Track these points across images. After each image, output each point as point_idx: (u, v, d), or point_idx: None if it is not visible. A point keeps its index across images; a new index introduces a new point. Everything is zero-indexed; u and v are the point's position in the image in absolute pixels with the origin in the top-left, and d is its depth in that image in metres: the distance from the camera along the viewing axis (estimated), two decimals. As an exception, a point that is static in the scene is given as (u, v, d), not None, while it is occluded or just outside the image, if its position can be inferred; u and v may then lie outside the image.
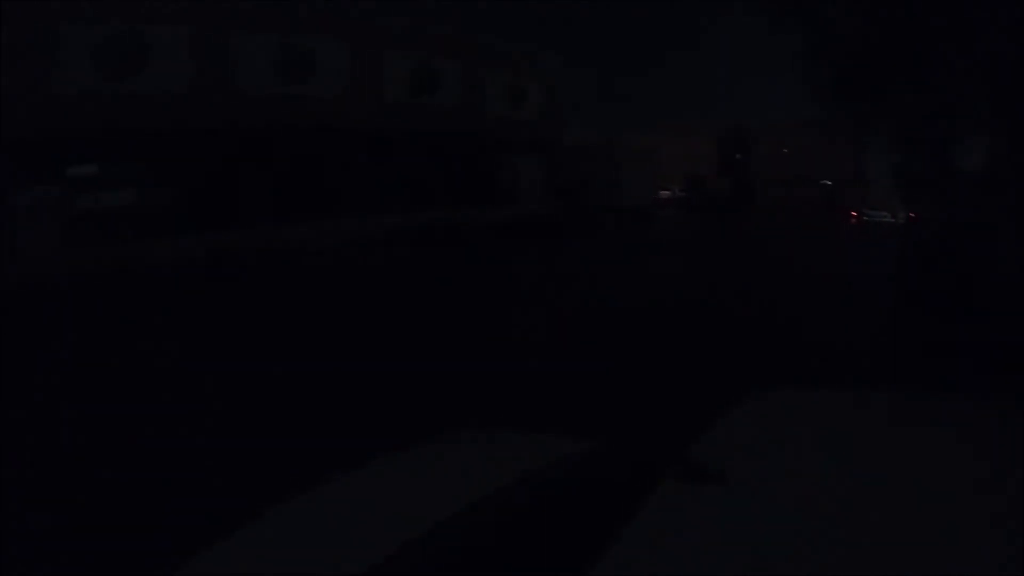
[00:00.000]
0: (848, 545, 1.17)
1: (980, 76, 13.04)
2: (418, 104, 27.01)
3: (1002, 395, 2.01)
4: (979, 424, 1.80)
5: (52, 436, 5.89)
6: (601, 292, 13.22)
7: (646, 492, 1.41)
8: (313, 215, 21.26)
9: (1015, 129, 11.64)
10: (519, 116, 31.16)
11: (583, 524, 1.41)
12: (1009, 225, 8.26)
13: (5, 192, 18.02)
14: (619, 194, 30.91)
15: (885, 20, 14.22)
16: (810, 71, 17.55)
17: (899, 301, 9.10)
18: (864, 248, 22.41)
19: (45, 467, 5.16)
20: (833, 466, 1.53)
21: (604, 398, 5.83)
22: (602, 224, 27.95)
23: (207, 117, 21.98)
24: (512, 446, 2.18)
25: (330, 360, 8.15)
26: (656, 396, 5.81)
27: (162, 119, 21.39)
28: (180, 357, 8.78)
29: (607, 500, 1.51)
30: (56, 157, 20.32)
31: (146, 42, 21.93)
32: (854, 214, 37.67)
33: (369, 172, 24.67)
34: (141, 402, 6.91)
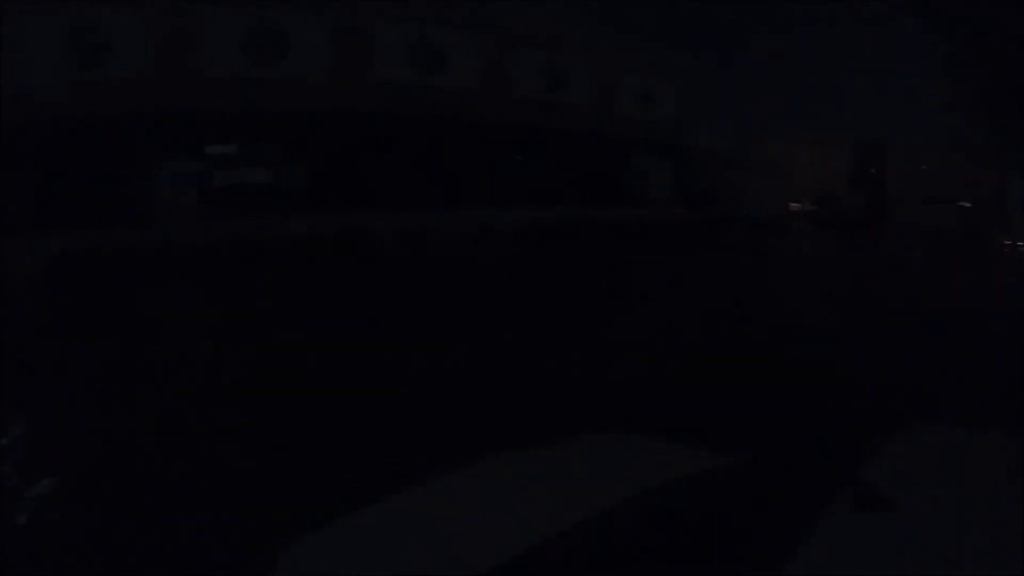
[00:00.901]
0: None
1: None
2: (548, 101, 26.41)
3: None
4: None
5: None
6: (730, 302, 12.24)
7: (801, 512, 1.45)
8: (438, 204, 21.05)
9: None
10: (648, 118, 30.01)
11: (718, 537, 1.42)
12: None
13: (150, 166, 18.71)
14: (748, 204, 29.33)
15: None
16: (956, 84, 15.76)
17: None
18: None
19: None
20: (996, 502, 1.49)
21: (740, 412, 5.51)
22: (730, 235, 26.41)
23: (343, 103, 22.21)
24: (650, 452, 2.17)
25: (458, 347, 7.89)
26: (795, 415, 5.43)
27: (300, 103, 21.83)
28: (312, 330, 8.80)
29: (746, 515, 1.54)
30: (198, 135, 21.12)
31: (287, 30, 22.63)
32: (1008, 243, 33.63)
33: (497, 165, 24.30)
34: (287, 374, 6.89)
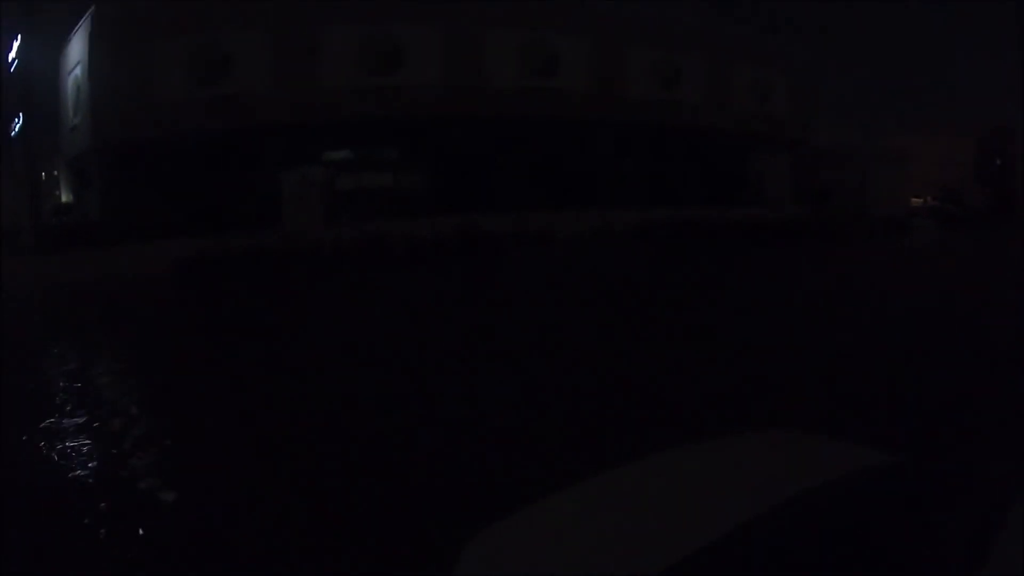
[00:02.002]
0: None
1: None
2: (663, 99, 25.72)
3: None
4: None
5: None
6: (857, 303, 11.34)
7: (975, 511, 1.45)
8: (555, 204, 20.75)
9: None
10: (766, 114, 28.81)
11: (887, 535, 1.41)
12: None
13: (276, 171, 19.29)
14: (870, 201, 27.70)
15: None
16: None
17: None
18: None
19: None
20: None
21: (896, 411, 5.32)
22: (852, 232, 24.83)
23: (459, 108, 22.33)
24: (816, 449, 2.14)
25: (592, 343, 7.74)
26: (945, 416, 5.13)
27: (417, 109, 22.11)
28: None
29: (916, 513, 1.52)
30: (321, 143, 21.77)
31: (401, 40, 23.05)
32: None
33: (612, 166, 23.79)
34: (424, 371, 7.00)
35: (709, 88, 26.93)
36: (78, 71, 24.87)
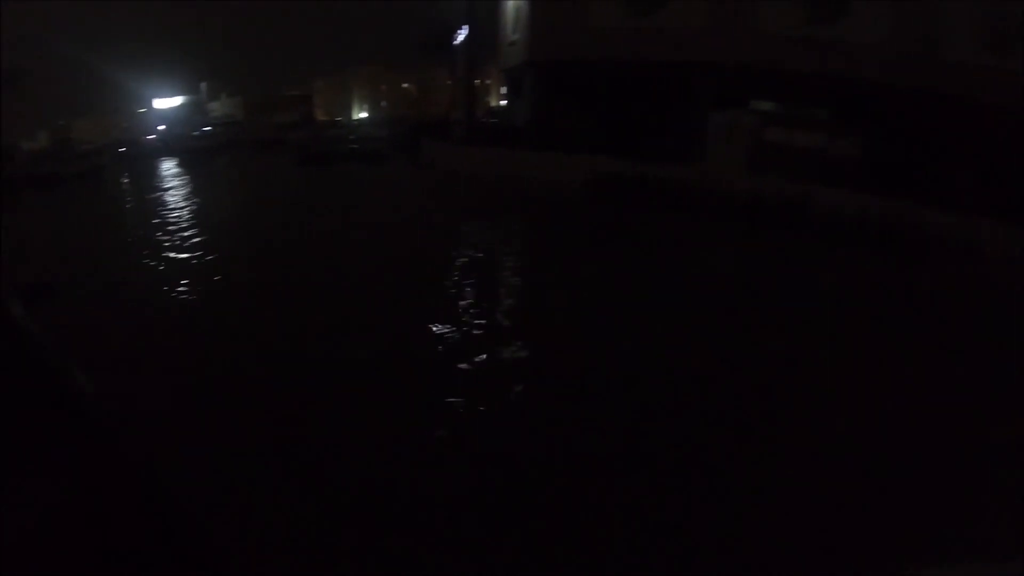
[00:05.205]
0: None
1: None
2: None
3: None
4: None
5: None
6: None
7: None
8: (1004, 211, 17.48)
9: None
10: None
11: None
12: None
13: (700, 110, 19.28)
14: None
15: None
16: None
17: None
18: None
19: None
20: None
21: None
22: None
23: (902, 75, 20.06)
24: None
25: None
26: None
27: (858, 71, 20.39)
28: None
29: None
30: (752, 90, 21.25)
31: None
32: None
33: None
34: None
35: None
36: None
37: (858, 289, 10.15)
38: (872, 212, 15.31)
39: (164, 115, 76.41)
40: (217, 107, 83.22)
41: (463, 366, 6.62)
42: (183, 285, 10.54)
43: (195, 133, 51.48)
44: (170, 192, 24.12)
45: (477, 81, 32.71)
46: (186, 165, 35.95)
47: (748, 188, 16.15)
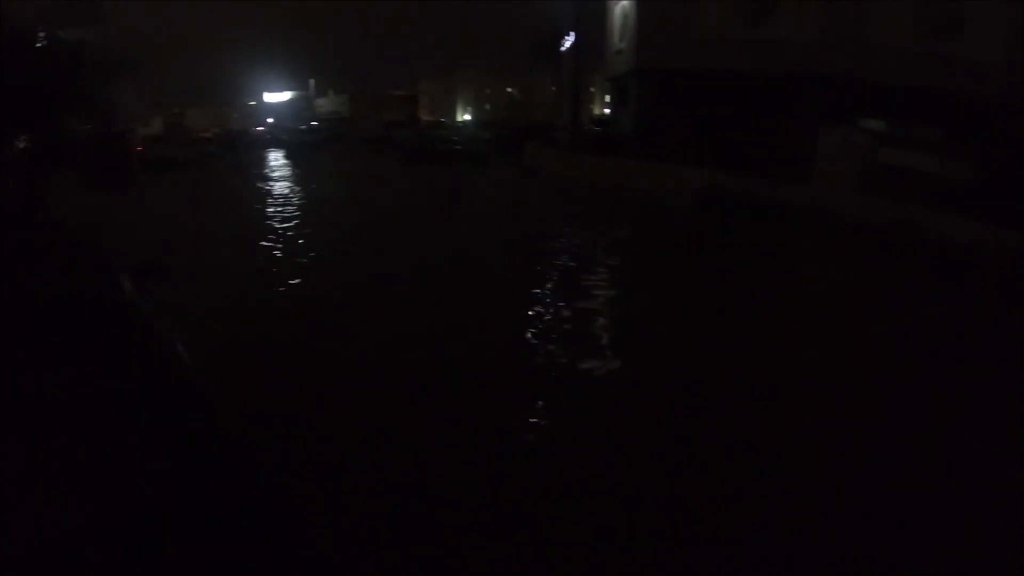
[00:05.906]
0: None
1: None
2: None
3: None
4: None
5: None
6: None
7: None
8: None
9: None
10: None
11: None
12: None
13: (810, 127, 19.07)
14: None
15: None
16: None
17: None
18: None
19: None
20: None
21: None
22: None
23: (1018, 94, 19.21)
24: None
25: None
26: None
27: (975, 89, 19.82)
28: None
29: None
30: (861, 106, 20.93)
31: (964, 7, 20.52)
32: None
33: None
34: None
35: None
36: (626, 1, 27.66)
37: (970, 325, 9.69)
38: (989, 243, 14.67)
39: (273, 108, 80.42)
40: (324, 103, 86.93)
41: (585, 366, 7.02)
42: (287, 271, 11.11)
43: (302, 127, 54.16)
44: (278, 182, 25.57)
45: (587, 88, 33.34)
46: (293, 157, 37.67)
47: (858, 210, 16.00)
